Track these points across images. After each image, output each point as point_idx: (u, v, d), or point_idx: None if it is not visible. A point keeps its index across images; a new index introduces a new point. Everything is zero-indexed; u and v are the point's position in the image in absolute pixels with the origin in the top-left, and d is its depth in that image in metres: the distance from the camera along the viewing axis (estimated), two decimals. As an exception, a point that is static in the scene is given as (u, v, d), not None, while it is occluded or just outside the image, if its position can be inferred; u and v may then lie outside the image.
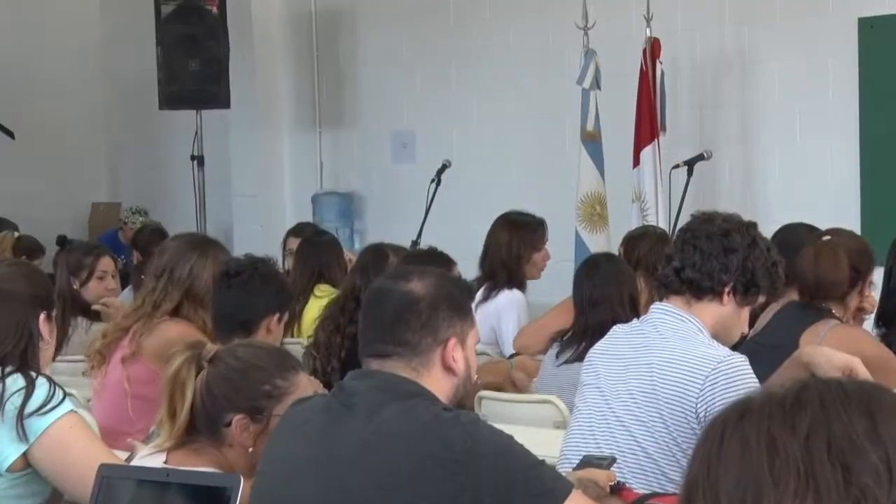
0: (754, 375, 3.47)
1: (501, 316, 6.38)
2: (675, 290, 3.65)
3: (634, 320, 3.83)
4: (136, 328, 4.63)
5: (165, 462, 3.03)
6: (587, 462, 3.11)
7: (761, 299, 3.74)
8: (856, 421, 1.40)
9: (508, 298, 6.42)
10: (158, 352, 4.40)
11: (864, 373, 2.98)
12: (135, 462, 3.11)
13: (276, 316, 4.38)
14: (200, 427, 3.08)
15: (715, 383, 3.41)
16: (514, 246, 6.52)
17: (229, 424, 3.05)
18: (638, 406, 3.53)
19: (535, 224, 6.67)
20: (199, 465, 3.01)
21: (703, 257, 3.61)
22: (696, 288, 3.61)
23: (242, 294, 4.36)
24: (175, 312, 4.63)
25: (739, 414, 1.45)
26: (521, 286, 6.51)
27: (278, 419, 3.03)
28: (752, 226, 3.70)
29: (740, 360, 3.49)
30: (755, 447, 1.40)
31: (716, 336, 3.61)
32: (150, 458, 3.08)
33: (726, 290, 3.61)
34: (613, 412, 3.58)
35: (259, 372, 3.11)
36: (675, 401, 3.46)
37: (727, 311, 3.63)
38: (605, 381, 3.66)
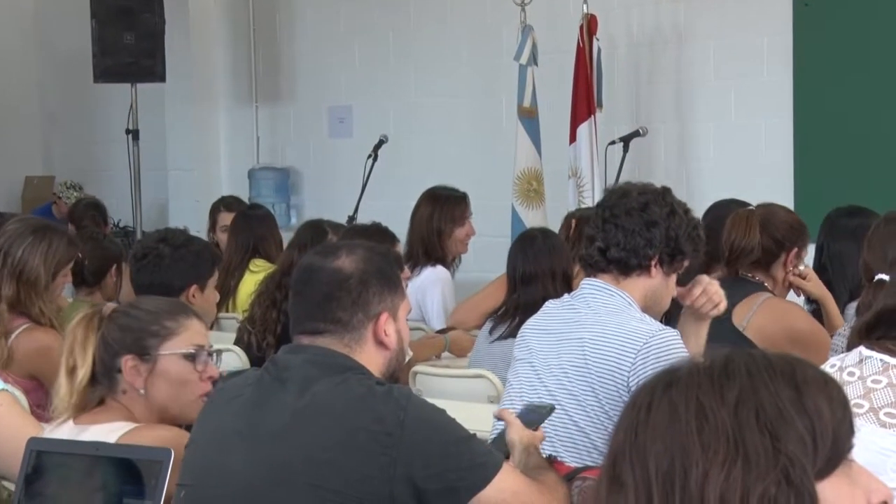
0: (686, 349, 3.50)
1: (426, 292, 6.37)
2: (602, 269, 3.66)
3: (566, 295, 3.84)
4: None
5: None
6: (529, 410, 3.11)
7: (686, 263, 3.76)
8: (782, 391, 1.42)
9: (432, 275, 6.42)
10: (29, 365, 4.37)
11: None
12: (45, 436, 3.10)
13: (194, 287, 4.36)
14: (101, 379, 3.10)
15: (647, 357, 3.44)
16: (434, 220, 6.51)
17: (122, 371, 3.08)
18: (570, 380, 3.55)
19: (457, 198, 6.65)
20: (106, 422, 3.03)
21: (625, 235, 3.61)
22: (623, 266, 3.63)
23: (153, 275, 4.34)
24: (17, 302, 4.50)
25: (666, 382, 1.45)
26: (444, 262, 6.50)
27: (166, 359, 3.07)
28: (667, 193, 3.71)
29: (672, 335, 3.52)
30: (684, 414, 1.41)
31: (647, 308, 3.63)
32: (57, 429, 3.07)
33: (653, 262, 3.63)
34: (545, 386, 3.59)
35: (148, 314, 3.15)
36: (608, 375, 3.48)
37: (656, 282, 3.66)
38: (538, 356, 3.67)
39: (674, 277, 3.71)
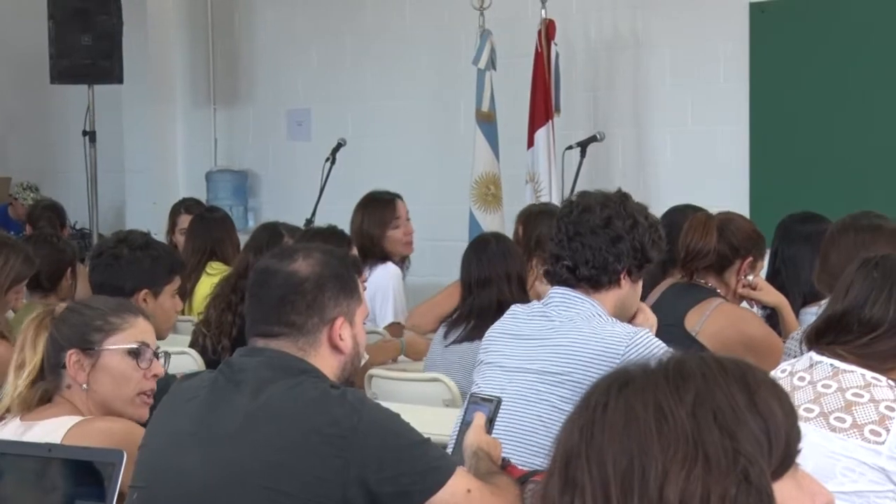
0: (664, 344, 3.53)
1: (377, 290, 6.37)
2: (571, 285, 3.68)
3: (535, 302, 3.85)
4: None
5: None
6: (473, 401, 3.10)
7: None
8: (736, 393, 1.42)
9: (384, 272, 6.43)
10: None
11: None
12: None
13: (145, 292, 4.34)
14: (47, 375, 3.13)
15: (634, 358, 3.44)
16: (365, 225, 6.52)
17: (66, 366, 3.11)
18: (546, 386, 3.55)
19: (385, 201, 6.64)
20: (53, 417, 3.05)
21: (593, 253, 3.64)
22: (594, 282, 3.66)
23: (105, 276, 4.34)
24: None
25: (621, 383, 1.45)
26: (390, 260, 6.52)
27: (109, 354, 3.09)
28: (626, 201, 3.73)
29: (648, 334, 3.57)
30: (642, 413, 1.41)
31: (617, 316, 3.67)
32: (3, 427, 3.09)
33: (622, 275, 3.66)
34: (517, 390, 3.59)
35: (94, 311, 3.18)
36: (593, 381, 3.48)
37: (625, 291, 3.69)
38: (508, 360, 3.68)
39: (640, 282, 3.75)
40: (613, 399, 1.44)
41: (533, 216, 6.13)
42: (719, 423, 1.39)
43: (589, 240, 3.64)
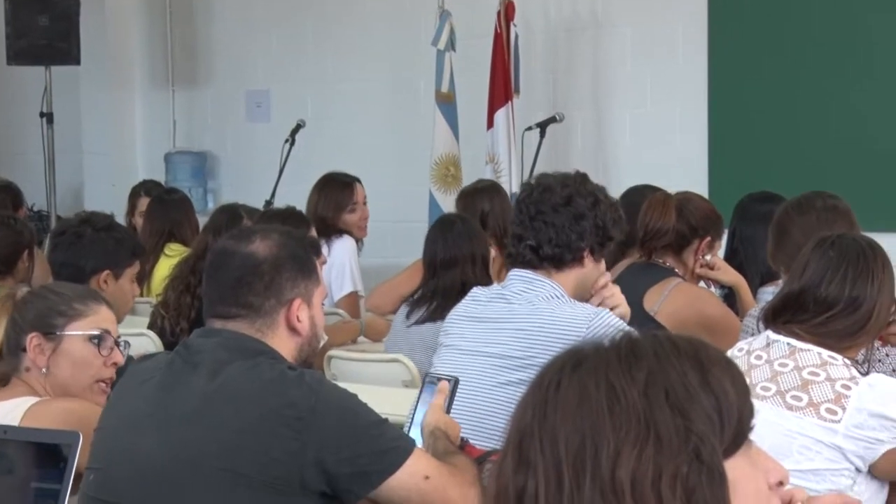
0: (626, 325, 3.55)
1: (333, 265, 6.36)
2: (534, 266, 3.69)
3: (495, 284, 3.86)
4: None
5: None
6: (430, 381, 3.10)
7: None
8: (688, 371, 1.42)
9: (339, 246, 6.43)
10: None
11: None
12: None
13: (106, 273, 4.34)
14: (7, 357, 3.13)
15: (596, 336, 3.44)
16: (320, 207, 6.51)
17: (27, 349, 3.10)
18: (505, 370, 3.56)
19: (343, 184, 6.64)
20: (10, 398, 3.05)
21: (556, 231, 3.64)
22: (557, 261, 3.66)
23: (67, 254, 4.36)
24: None
25: (575, 362, 1.45)
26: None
27: (71, 339, 3.09)
28: (586, 180, 3.75)
29: (608, 314, 3.58)
30: (594, 393, 1.41)
31: (578, 296, 3.67)
32: None
33: (585, 253, 3.67)
34: (476, 373, 3.59)
35: (58, 296, 3.18)
36: None
37: (587, 270, 3.70)
38: (468, 342, 3.68)
39: (603, 261, 3.76)
40: (566, 378, 1.44)
41: (470, 195, 6.17)
42: (671, 402, 1.40)
43: (551, 218, 3.65)
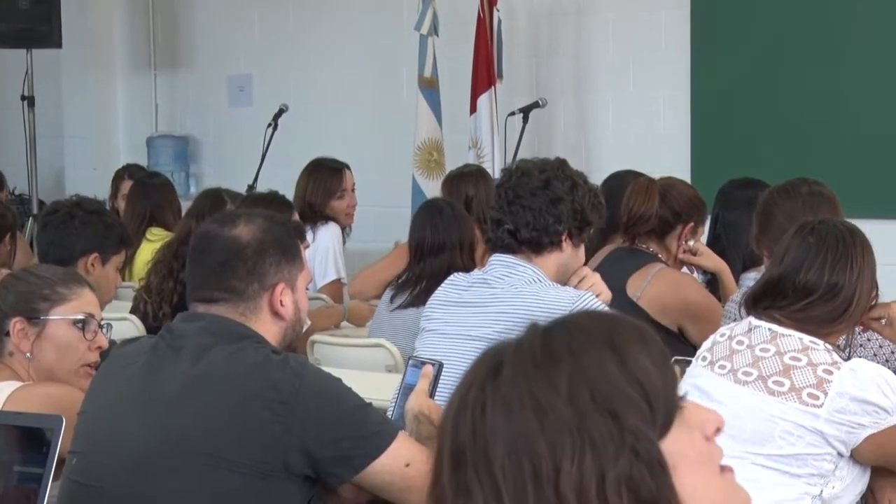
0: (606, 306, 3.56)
1: (317, 251, 6.36)
2: (513, 250, 3.70)
3: (476, 270, 3.87)
4: None
5: None
6: (414, 364, 3.10)
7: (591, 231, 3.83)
8: (607, 363, 1.39)
9: (324, 233, 6.43)
10: None
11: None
12: None
13: (94, 255, 4.35)
14: None
15: None
16: (308, 192, 6.51)
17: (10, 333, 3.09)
18: None
19: (333, 170, 6.64)
20: None
21: (534, 214, 3.66)
22: (535, 245, 3.68)
23: (57, 234, 4.37)
24: None
25: (493, 373, 1.41)
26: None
27: (55, 324, 3.09)
28: (564, 165, 3.77)
29: (591, 296, 3.59)
30: (520, 411, 1.37)
31: (559, 281, 3.69)
32: None
33: (563, 237, 3.68)
34: (459, 357, 3.59)
35: (41, 280, 3.17)
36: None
37: (566, 255, 3.72)
38: (450, 328, 3.69)
39: (582, 247, 3.77)
40: (490, 395, 1.40)
41: (455, 180, 6.18)
42: (598, 405, 1.36)
43: (529, 201, 3.66)
